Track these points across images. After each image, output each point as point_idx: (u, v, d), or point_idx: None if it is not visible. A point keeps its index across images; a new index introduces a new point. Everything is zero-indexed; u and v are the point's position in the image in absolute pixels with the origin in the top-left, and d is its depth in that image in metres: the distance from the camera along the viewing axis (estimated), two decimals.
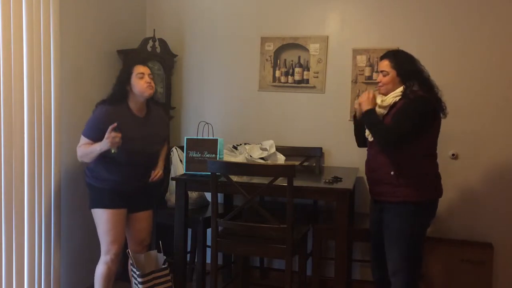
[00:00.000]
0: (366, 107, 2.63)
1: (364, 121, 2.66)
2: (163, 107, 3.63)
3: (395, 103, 2.58)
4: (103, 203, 2.85)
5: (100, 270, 2.88)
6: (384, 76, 2.62)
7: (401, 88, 2.57)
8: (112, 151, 2.69)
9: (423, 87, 2.55)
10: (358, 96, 2.75)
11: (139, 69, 2.88)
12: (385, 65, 2.62)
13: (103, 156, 2.77)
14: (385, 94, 2.63)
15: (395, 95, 2.58)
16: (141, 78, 2.85)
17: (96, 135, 2.77)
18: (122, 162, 2.81)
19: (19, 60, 2.67)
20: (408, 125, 2.48)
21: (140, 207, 3.00)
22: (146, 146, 2.88)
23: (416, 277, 2.59)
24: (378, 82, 2.67)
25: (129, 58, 3.65)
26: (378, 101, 2.65)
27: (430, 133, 2.56)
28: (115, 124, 2.68)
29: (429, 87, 2.57)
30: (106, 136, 2.68)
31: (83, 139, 2.82)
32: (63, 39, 3.02)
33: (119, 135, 2.68)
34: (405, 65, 2.58)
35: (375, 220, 2.74)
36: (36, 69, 2.79)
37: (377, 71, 3.61)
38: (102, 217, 2.85)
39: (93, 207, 2.89)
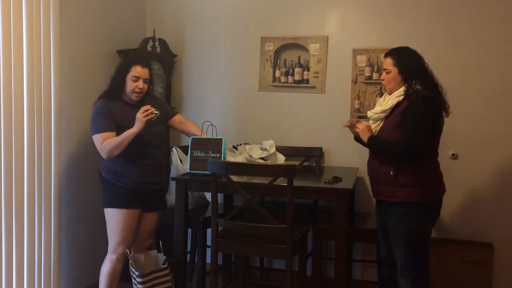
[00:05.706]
0: (365, 137, 2.62)
1: (371, 149, 2.66)
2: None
3: (398, 103, 2.56)
4: (119, 203, 2.83)
5: (106, 268, 2.88)
6: (387, 73, 2.62)
7: (403, 88, 2.55)
8: (153, 119, 2.73)
9: (425, 86, 2.52)
10: (351, 125, 2.76)
11: (136, 71, 2.82)
12: (388, 63, 2.61)
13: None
14: (390, 93, 2.62)
15: (397, 95, 2.57)
16: (135, 81, 2.82)
17: (107, 126, 2.76)
18: (134, 153, 2.79)
19: (19, 60, 2.67)
20: (419, 136, 2.45)
21: (152, 207, 3.01)
22: (150, 127, 2.80)
23: (423, 276, 2.58)
24: (382, 80, 2.67)
25: (129, 58, 3.65)
26: (378, 105, 2.65)
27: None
28: (149, 106, 2.72)
29: (432, 85, 2.54)
30: (138, 114, 2.69)
31: (99, 136, 2.75)
32: (63, 39, 3.01)
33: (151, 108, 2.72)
34: (407, 63, 2.56)
35: (379, 221, 2.74)
36: (36, 69, 2.79)
37: (377, 71, 3.62)
38: (115, 217, 2.83)
39: (108, 206, 2.86)
